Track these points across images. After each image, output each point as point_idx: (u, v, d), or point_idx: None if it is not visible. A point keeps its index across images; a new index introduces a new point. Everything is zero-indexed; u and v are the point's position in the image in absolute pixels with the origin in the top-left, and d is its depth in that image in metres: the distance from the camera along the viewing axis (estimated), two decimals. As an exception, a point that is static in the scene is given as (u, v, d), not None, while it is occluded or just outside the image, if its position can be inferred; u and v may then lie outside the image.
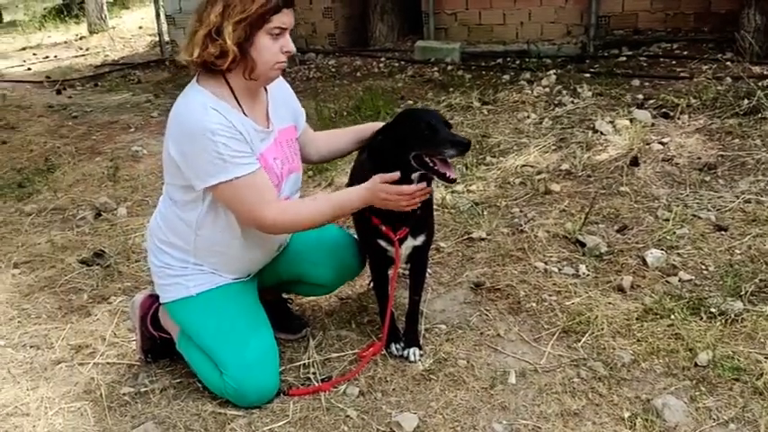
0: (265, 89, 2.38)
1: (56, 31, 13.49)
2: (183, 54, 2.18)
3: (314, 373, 2.49)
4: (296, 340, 2.70)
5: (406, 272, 2.75)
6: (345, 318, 2.84)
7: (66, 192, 4.54)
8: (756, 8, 5.75)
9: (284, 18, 2.14)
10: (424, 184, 2.26)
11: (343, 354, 2.61)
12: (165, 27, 9.55)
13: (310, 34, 8.62)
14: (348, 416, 2.27)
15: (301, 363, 2.56)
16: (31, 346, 2.79)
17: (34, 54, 11.04)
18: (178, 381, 2.51)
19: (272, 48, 2.16)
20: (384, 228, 2.41)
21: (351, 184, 2.62)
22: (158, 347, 2.58)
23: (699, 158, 4.11)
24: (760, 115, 4.57)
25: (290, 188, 2.42)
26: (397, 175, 2.23)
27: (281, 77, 2.44)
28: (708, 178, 3.86)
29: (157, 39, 9.84)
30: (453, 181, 2.27)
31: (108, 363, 2.66)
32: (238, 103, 2.23)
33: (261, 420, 2.28)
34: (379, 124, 2.50)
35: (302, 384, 2.45)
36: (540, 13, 7.40)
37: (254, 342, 2.33)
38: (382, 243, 2.46)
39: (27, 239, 3.83)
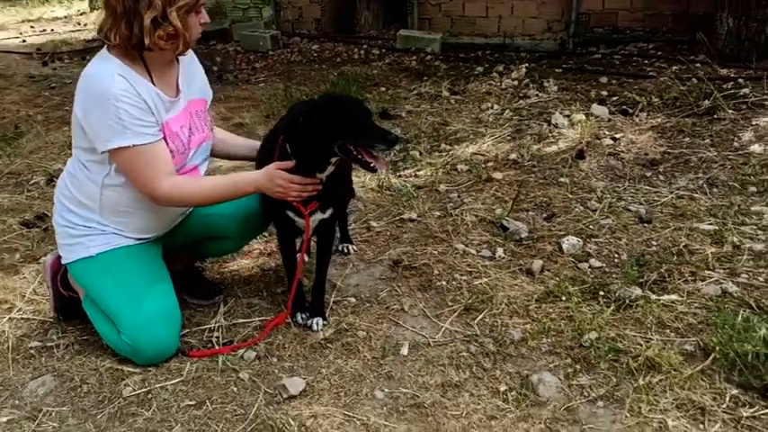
0: (177, 59, 2.44)
1: (59, 6, 13.58)
2: (112, 37, 2.21)
3: (217, 338, 2.57)
4: (208, 306, 2.78)
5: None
6: (261, 287, 2.92)
7: (25, 158, 4.62)
8: (729, 11, 5.76)
9: None
10: (316, 179, 2.34)
11: (249, 320, 2.68)
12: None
13: (297, 19, 8.68)
14: (240, 377, 2.35)
15: (207, 327, 2.64)
16: (-49, 299, 2.87)
17: (32, 27, 11.14)
18: (85, 338, 2.59)
19: (197, 24, 2.31)
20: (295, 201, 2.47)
21: (258, 161, 2.63)
22: (70, 306, 2.65)
23: (646, 154, 4.15)
24: (715, 116, 4.60)
25: (200, 156, 2.50)
26: (292, 163, 2.31)
27: (191, 52, 2.51)
28: (649, 173, 3.90)
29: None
30: (375, 171, 2.35)
31: (23, 318, 2.74)
32: (149, 72, 2.31)
33: (155, 378, 2.36)
34: None
35: (204, 347, 2.53)
36: (522, 7, 7.42)
37: (150, 301, 2.39)
38: (290, 214, 2.52)
39: (-25, 201, 3.91)
